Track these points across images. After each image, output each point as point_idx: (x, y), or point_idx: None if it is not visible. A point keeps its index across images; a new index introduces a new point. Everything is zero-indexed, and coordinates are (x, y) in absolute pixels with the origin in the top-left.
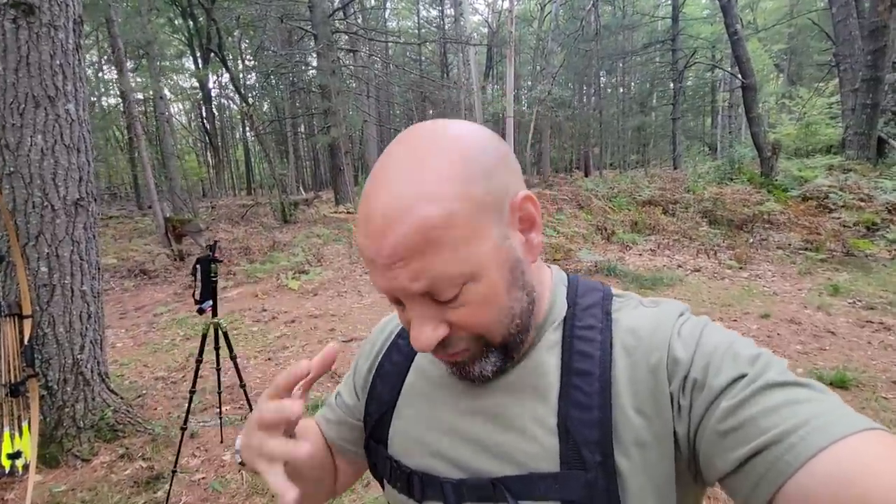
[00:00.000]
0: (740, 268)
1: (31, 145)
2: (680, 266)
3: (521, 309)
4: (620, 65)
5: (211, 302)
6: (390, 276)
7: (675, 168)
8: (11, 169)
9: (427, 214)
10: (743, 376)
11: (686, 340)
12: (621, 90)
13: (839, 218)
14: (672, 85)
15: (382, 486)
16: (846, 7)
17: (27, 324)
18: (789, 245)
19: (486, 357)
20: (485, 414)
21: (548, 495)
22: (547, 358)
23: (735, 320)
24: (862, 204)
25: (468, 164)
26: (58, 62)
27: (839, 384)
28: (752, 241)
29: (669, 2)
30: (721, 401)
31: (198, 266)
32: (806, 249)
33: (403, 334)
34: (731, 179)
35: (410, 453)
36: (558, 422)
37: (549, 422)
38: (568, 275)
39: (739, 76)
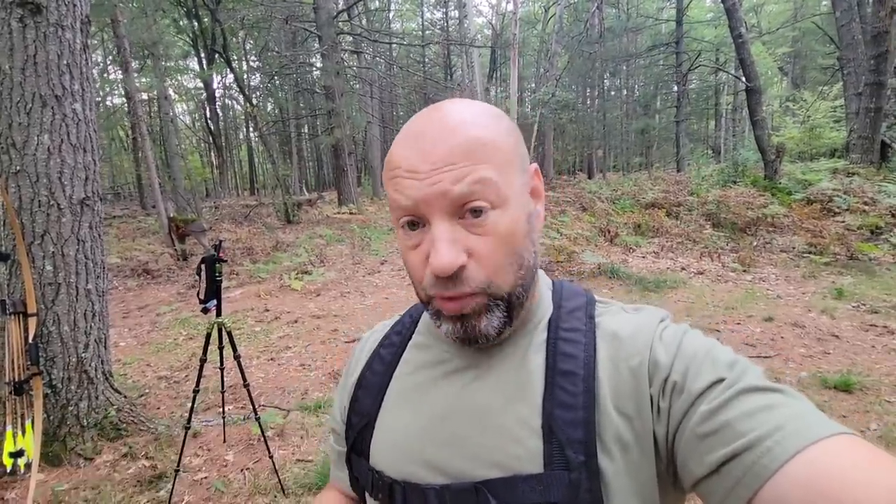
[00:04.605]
0: (744, 271)
1: (38, 144)
2: (683, 269)
3: (529, 263)
4: (624, 67)
5: (215, 301)
6: (433, 180)
7: (679, 171)
8: (18, 168)
9: (479, 134)
10: (721, 380)
11: (667, 344)
12: (625, 93)
13: (843, 222)
14: (676, 88)
15: (363, 501)
16: (849, 11)
17: (32, 322)
18: (793, 248)
19: (492, 311)
20: (468, 415)
21: (531, 497)
22: (533, 357)
23: (739, 323)
24: (866, 208)
25: (503, 119)
26: (65, 62)
27: (843, 388)
28: (755, 244)
29: (674, 5)
30: (699, 404)
31: (202, 265)
32: (810, 253)
33: (385, 343)
34: (735, 182)
35: (392, 462)
36: (542, 423)
37: (533, 423)
38: (552, 280)
39: (744, 79)
